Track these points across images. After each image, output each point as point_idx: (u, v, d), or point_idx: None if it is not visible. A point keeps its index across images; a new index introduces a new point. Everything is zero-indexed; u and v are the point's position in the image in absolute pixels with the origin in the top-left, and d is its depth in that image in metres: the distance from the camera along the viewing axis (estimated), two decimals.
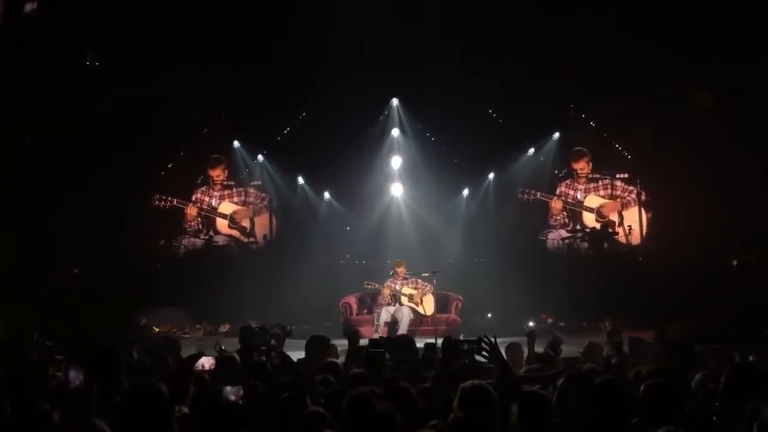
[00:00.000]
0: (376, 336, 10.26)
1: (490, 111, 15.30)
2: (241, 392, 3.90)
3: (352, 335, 6.52)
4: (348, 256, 15.11)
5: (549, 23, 13.45)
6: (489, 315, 13.92)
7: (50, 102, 12.85)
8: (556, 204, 15.42)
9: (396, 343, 6.35)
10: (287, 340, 8.28)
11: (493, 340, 4.49)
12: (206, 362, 4.94)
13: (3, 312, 10.75)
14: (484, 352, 4.46)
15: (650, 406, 3.97)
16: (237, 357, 5.79)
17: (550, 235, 15.56)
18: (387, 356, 5.45)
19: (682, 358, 5.69)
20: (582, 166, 15.51)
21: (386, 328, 12.00)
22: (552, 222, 15.54)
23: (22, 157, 13.05)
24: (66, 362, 4.88)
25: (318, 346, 6.68)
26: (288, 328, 8.40)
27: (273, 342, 7.34)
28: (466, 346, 4.65)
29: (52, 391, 4.44)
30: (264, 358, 5.72)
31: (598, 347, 7.10)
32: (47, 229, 12.95)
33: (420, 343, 7.22)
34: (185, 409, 3.88)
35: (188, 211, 15.61)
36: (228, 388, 3.84)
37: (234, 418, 3.63)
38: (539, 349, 6.71)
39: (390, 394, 4.02)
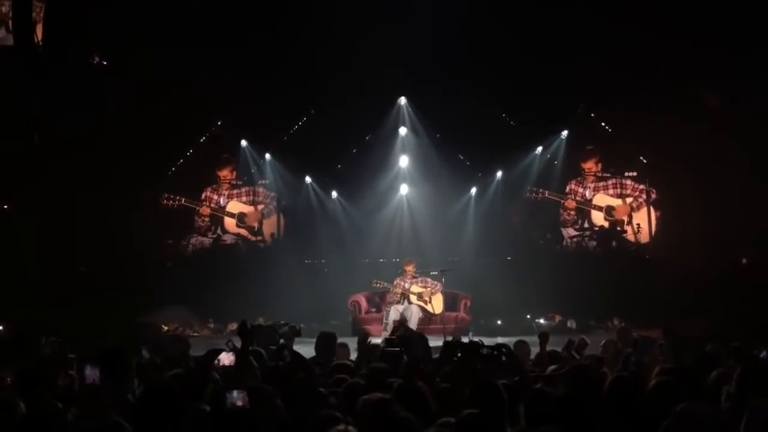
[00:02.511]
0: (385, 335, 10.23)
1: (500, 110, 15.23)
2: (247, 398, 3.84)
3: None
4: (354, 254, 15.06)
5: (557, 21, 13.40)
6: (498, 322, 13.85)
7: (60, 104, 12.90)
8: (570, 203, 15.39)
9: (409, 341, 6.32)
10: (296, 339, 8.29)
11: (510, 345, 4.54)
12: (225, 358, 4.90)
13: (11, 311, 10.79)
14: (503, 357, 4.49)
15: (658, 403, 3.96)
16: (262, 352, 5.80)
17: (555, 234, 15.55)
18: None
19: (693, 357, 5.67)
20: (590, 166, 15.48)
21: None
22: (566, 216, 15.48)
23: (32, 159, 13.10)
24: (79, 360, 4.87)
25: (327, 343, 6.66)
26: (297, 327, 8.40)
27: (282, 341, 7.35)
28: (485, 351, 4.66)
29: (62, 389, 4.46)
30: (276, 358, 5.74)
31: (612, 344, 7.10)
32: (55, 229, 12.99)
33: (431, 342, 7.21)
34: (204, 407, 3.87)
35: (201, 210, 15.66)
36: (235, 393, 3.80)
37: (239, 424, 3.61)
38: (556, 348, 6.73)
39: (402, 393, 4.01)
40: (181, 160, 15.65)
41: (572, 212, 15.50)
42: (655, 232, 15.17)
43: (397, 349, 5.53)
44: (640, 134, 14.60)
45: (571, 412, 3.57)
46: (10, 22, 12.67)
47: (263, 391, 3.99)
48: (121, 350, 4.38)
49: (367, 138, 15.38)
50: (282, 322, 9.45)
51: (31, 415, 3.51)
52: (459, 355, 4.69)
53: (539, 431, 3.55)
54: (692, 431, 3.48)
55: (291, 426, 3.84)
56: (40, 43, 12.83)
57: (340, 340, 7.33)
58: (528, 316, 13.95)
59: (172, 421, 3.21)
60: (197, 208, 15.67)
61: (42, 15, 12.98)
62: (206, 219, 15.78)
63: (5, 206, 13.60)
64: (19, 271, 12.01)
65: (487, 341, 4.91)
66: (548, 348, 6.65)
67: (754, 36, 12.37)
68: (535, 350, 7.75)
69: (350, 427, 3.40)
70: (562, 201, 15.40)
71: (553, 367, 5.31)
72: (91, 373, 3.68)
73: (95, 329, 9.96)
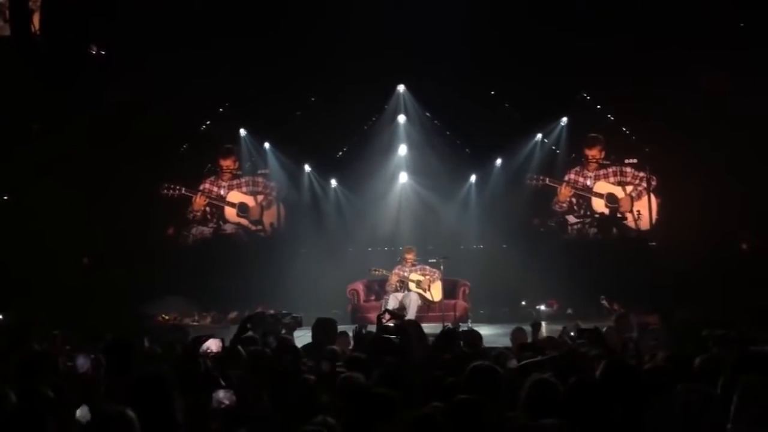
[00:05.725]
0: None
1: (499, 97, 15.12)
2: (234, 397, 3.84)
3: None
4: (355, 243, 15.04)
5: (558, 6, 13.32)
6: (498, 309, 13.83)
7: (58, 92, 12.87)
8: (565, 190, 15.35)
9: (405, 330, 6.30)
10: (299, 329, 8.33)
11: None
12: (213, 345, 4.91)
13: (12, 300, 10.81)
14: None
15: (652, 388, 3.96)
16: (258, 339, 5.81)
17: (559, 221, 15.54)
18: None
19: (693, 343, 5.67)
20: (595, 153, 15.41)
21: None
22: (557, 209, 15.47)
23: (31, 148, 13.09)
24: (74, 350, 4.89)
25: (325, 330, 6.62)
26: (299, 317, 8.46)
27: (284, 331, 7.38)
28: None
29: (61, 380, 4.47)
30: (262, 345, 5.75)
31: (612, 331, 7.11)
32: (56, 219, 12.99)
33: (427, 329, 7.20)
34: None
35: (196, 200, 15.66)
36: (222, 393, 3.80)
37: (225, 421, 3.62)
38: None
39: (385, 379, 4.02)
40: (183, 147, 15.60)
41: (564, 204, 15.45)
42: (656, 218, 15.15)
43: (392, 336, 5.51)
44: (640, 119, 14.53)
45: (575, 403, 3.53)
46: (7, 12, 12.64)
47: (249, 381, 4.00)
48: (124, 342, 4.42)
49: (365, 127, 15.32)
50: (284, 312, 9.49)
51: (22, 404, 3.52)
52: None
53: (541, 425, 3.45)
54: (685, 413, 3.47)
55: (275, 416, 3.83)
56: (37, 33, 12.80)
57: (339, 328, 7.29)
58: (528, 303, 13.97)
59: (163, 410, 3.23)
60: (193, 197, 15.66)
61: (39, 4, 12.95)
62: (198, 213, 15.72)
63: (5, 197, 13.61)
64: (18, 261, 12.02)
65: (483, 329, 4.93)
66: (546, 335, 6.67)
67: (758, 24, 12.30)
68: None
69: (329, 419, 3.41)
70: (558, 188, 15.37)
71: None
72: (83, 362, 3.69)
73: (95, 319, 9.98)
